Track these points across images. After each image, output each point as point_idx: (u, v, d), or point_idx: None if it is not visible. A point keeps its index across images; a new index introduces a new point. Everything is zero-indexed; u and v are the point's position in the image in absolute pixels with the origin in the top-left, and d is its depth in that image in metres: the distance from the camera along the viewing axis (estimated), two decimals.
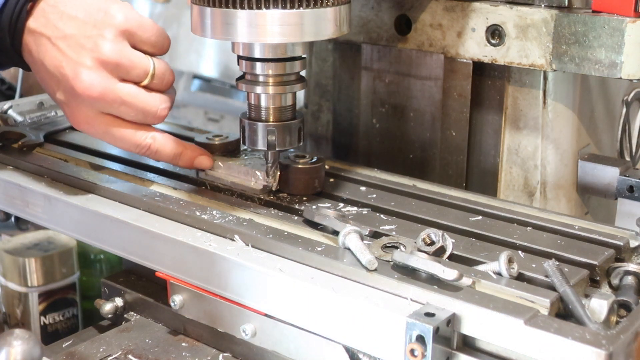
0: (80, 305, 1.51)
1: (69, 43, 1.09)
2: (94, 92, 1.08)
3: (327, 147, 1.52)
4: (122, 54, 1.09)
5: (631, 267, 0.96)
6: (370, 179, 1.23)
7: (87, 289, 1.53)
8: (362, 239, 0.97)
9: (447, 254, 0.96)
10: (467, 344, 0.87)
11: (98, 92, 1.08)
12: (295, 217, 1.10)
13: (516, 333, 0.81)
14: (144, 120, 1.14)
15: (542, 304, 0.85)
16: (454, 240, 0.98)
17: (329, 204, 1.14)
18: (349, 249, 0.97)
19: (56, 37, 1.10)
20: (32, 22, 1.12)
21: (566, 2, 1.18)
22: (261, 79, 1.13)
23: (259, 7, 1.03)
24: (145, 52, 1.12)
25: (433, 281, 0.89)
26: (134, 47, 1.11)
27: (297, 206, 1.13)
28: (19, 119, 1.49)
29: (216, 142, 1.26)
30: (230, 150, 1.26)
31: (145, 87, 1.12)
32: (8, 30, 1.12)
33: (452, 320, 0.84)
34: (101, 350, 1.07)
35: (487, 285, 0.89)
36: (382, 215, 1.11)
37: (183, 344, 1.09)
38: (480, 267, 0.94)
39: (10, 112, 1.50)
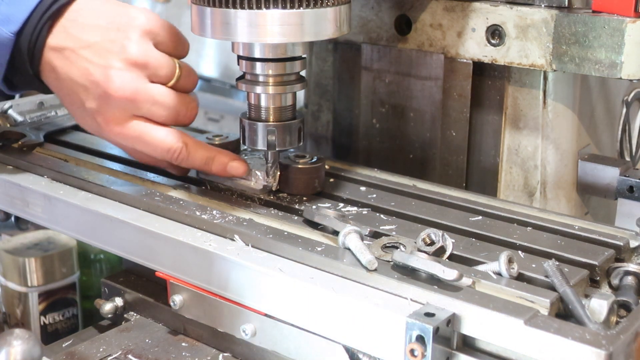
0: (80, 305, 1.51)
1: (94, 50, 1.10)
2: (126, 92, 1.09)
3: (327, 147, 1.52)
4: (149, 54, 1.10)
5: (631, 267, 0.96)
6: (370, 179, 1.23)
7: (87, 289, 1.53)
8: (362, 239, 0.97)
9: (447, 254, 0.96)
10: (467, 344, 0.87)
11: (130, 91, 1.09)
12: (295, 217, 1.10)
13: (516, 333, 0.81)
14: (176, 121, 1.14)
15: (542, 304, 0.85)
16: (454, 240, 0.98)
17: (329, 204, 1.14)
18: (349, 249, 0.97)
19: (80, 47, 1.10)
20: (53, 39, 1.12)
21: (566, 2, 1.18)
22: (261, 79, 1.13)
23: (259, 7, 1.03)
24: (167, 54, 1.13)
25: (433, 281, 0.89)
26: (157, 48, 1.12)
27: (297, 206, 1.13)
28: (19, 119, 1.49)
29: (216, 142, 1.26)
30: (230, 150, 1.26)
31: (173, 88, 1.13)
32: (27, 51, 1.12)
33: (452, 320, 0.84)
34: (101, 350, 1.07)
35: (487, 285, 0.89)
36: (382, 215, 1.11)
37: (183, 344, 1.09)
38: (480, 267, 0.94)
39: (10, 112, 1.50)
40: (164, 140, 1.13)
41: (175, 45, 1.14)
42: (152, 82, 1.11)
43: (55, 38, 1.12)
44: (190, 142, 1.15)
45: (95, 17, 1.12)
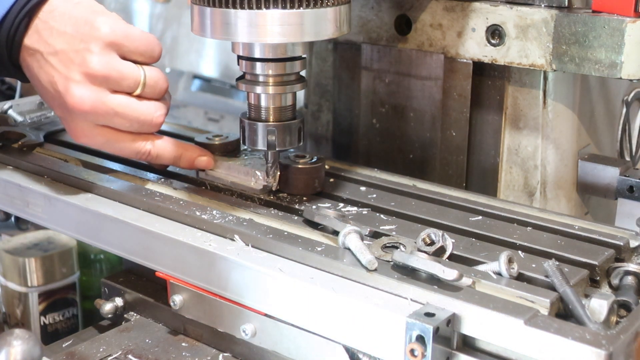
0: (80, 305, 1.51)
1: (60, 58, 1.10)
2: (84, 106, 1.09)
3: (327, 147, 1.52)
4: (110, 66, 1.10)
5: (631, 267, 0.96)
6: (370, 179, 1.23)
7: (87, 289, 1.53)
8: (362, 239, 0.97)
9: (447, 254, 0.96)
10: (467, 344, 0.87)
11: (89, 105, 1.09)
12: (295, 217, 1.10)
13: (516, 333, 0.81)
14: (140, 129, 1.15)
15: (542, 304, 0.85)
16: (454, 240, 0.98)
17: (329, 204, 1.14)
18: (349, 249, 0.97)
19: (48, 52, 1.11)
20: (27, 39, 1.12)
21: (566, 2, 1.18)
22: (261, 79, 1.13)
23: (259, 7, 1.03)
24: (135, 62, 1.12)
25: (433, 281, 0.89)
26: (124, 57, 1.12)
27: (297, 206, 1.13)
28: (19, 119, 1.49)
29: (216, 142, 1.26)
30: (230, 150, 1.26)
31: (139, 97, 1.13)
32: (5, 44, 1.13)
33: (452, 320, 0.84)
34: (101, 350, 1.07)
35: (487, 285, 0.89)
36: (382, 215, 1.11)
37: (183, 344, 1.09)
38: (480, 267, 0.94)
39: (10, 112, 1.50)
40: (130, 146, 1.15)
41: (143, 53, 1.13)
42: (115, 92, 1.11)
43: (30, 39, 1.12)
44: (158, 143, 1.17)
45: (64, 23, 1.11)
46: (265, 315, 0.99)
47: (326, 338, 0.94)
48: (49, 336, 1.46)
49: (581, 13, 1.15)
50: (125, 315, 1.18)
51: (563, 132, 1.27)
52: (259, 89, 1.14)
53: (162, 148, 1.18)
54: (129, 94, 1.12)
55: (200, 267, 1.02)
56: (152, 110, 1.14)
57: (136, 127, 1.14)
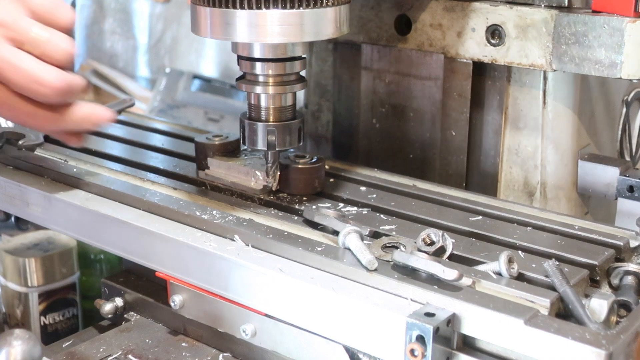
0: (80, 305, 1.51)
1: None
2: None
3: (327, 147, 1.52)
4: (9, 14, 1.05)
5: (631, 267, 0.96)
6: (370, 179, 1.23)
7: (87, 289, 1.53)
8: (362, 239, 0.97)
9: (447, 254, 0.96)
10: (467, 344, 0.87)
11: None
12: (295, 217, 1.10)
13: (516, 333, 0.81)
14: (35, 92, 1.06)
15: (542, 304, 0.85)
16: (454, 240, 0.98)
17: (329, 204, 1.14)
18: (349, 249, 0.97)
19: None
20: None
21: (566, 2, 1.18)
22: (261, 79, 1.13)
23: (258, 7, 1.03)
24: (43, 23, 1.07)
25: (433, 281, 0.89)
26: (31, 17, 1.06)
27: (297, 206, 1.13)
28: None
29: (216, 142, 1.26)
30: (230, 150, 1.26)
31: (38, 58, 1.06)
32: None
33: (452, 320, 0.84)
34: (101, 350, 1.07)
35: (487, 285, 0.89)
36: (382, 215, 1.11)
37: (183, 344, 1.09)
38: (480, 267, 0.94)
39: None
40: (31, 113, 1.08)
41: (49, 13, 1.07)
42: (14, 46, 1.05)
43: None
44: (64, 110, 1.09)
45: None
46: (265, 315, 0.99)
47: (326, 338, 0.94)
48: (49, 336, 1.46)
49: (581, 13, 1.15)
50: (125, 315, 1.18)
51: (563, 132, 1.27)
52: (259, 89, 1.14)
53: (69, 113, 1.09)
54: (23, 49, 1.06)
55: (200, 267, 1.02)
56: (47, 71, 1.06)
57: (33, 89, 1.06)
